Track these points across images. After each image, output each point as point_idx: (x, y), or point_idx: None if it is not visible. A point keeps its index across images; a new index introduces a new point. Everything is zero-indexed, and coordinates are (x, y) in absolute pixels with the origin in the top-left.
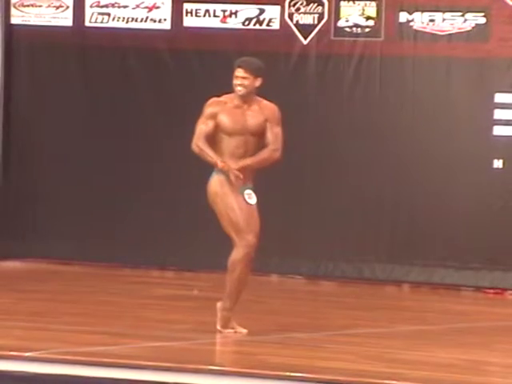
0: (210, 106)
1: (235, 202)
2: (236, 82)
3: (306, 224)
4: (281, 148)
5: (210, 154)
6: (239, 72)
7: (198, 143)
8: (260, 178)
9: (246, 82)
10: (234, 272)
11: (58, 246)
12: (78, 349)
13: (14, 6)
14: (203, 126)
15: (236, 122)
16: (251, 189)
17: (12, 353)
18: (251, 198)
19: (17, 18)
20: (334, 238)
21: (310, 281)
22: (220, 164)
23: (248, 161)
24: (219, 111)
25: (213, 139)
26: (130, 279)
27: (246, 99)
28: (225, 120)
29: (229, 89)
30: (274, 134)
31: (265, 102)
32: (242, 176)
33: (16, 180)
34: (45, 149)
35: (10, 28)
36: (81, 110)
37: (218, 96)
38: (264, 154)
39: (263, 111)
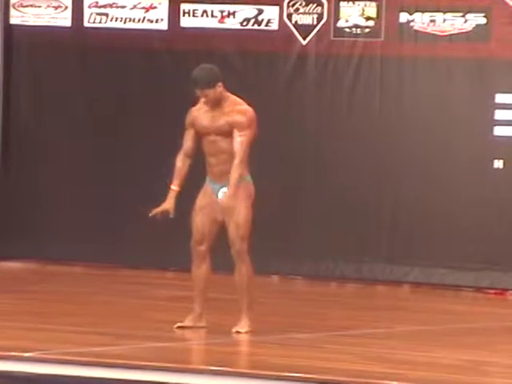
0: (188, 117)
1: (197, 204)
2: (201, 98)
3: (306, 224)
4: (245, 154)
5: (174, 175)
6: (198, 93)
7: (177, 157)
8: (260, 179)
9: (208, 96)
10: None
11: (58, 246)
12: (79, 349)
13: (13, 7)
14: (186, 137)
15: (204, 123)
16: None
17: (12, 353)
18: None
19: (16, 18)
20: (333, 238)
21: (310, 281)
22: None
23: (231, 189)
24: (195, 117)
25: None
26: (130, 280)
27: (216, 103)
28: (198, 123)
29: (227, 89)
30: (238, 143)
31: (238, 106)
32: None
33: (16, 180)
34: (44, 149)
35: (10, 28)
36: (80, 110)
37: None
38: (234, 175)
39: (232, 115)
